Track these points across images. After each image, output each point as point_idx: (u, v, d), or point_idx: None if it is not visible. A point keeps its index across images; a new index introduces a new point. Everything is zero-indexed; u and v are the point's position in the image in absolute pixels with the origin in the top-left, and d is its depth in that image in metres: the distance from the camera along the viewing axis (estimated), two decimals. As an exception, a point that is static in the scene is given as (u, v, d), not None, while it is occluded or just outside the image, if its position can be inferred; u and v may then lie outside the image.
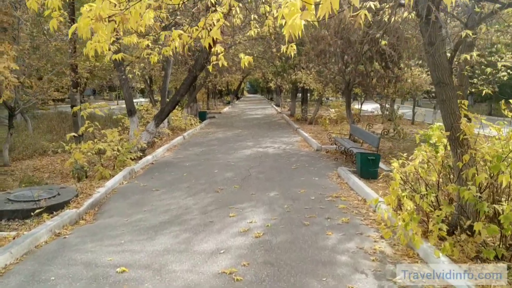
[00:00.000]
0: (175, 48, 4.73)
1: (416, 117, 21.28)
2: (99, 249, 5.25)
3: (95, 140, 9.59)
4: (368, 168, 8.88)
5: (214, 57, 5.76)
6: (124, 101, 13.15)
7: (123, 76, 11.44)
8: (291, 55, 4.62)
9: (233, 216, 6.49)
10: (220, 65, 5.79)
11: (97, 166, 9.33)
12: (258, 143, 14.88)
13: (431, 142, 7.62)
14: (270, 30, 9.18)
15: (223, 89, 45.06)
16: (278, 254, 4.97)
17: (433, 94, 19.94)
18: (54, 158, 11.60)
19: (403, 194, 5.10)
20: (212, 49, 5.87)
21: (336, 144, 12.47)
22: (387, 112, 20.85)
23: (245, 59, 5.60)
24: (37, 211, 6.21)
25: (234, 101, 48.90)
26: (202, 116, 24.14)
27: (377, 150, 9.79)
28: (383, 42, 7.58)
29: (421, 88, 17.38)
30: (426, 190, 5.30)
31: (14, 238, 5.32)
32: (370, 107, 26.76)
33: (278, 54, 20.80)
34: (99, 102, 42.38)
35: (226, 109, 37.27)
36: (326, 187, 8.33)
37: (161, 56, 7.12)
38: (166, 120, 16.95)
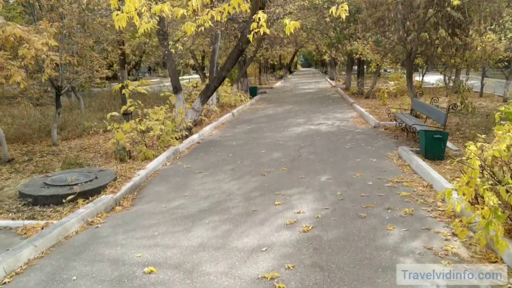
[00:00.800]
0: (193, 9, 4.01)
1: (484, 89, 19.35)
2: (129, 242, 4.78)
3: (137, 119, 9.19)
4: (433, 147, 7.85)
5: (254, 24, 5.01)
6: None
7: (166, 52, 10.92)
8: (343, 20, 3.78)
9: (279, 205, 5.81)
10: (261, 33, 5.05)
11: (140, 146, 8.96)
12: (310, 120, 14.00)
13: (513, 119, 6.48)
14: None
15: (276, 63, 43.96)
16: (329, 255, 4.24)
17: (505, 63, 17.96)
18: (101, 138, 11.42)
19: (484, 186, 4.14)
20: (254, 16, 5.14)
21: (396, 120, 11.36)
22: (452, 84, 19.08)
23: (291, 25, 4.82)
24: (69, 197, 5.85)
25: (286, 75, 47.75)
26: (253, 92, 23.47)
27: (444, 127, 8.67)
28: (454, 3, 6.41)
29: (494, 57, 15.53)
30: (512, 180, 4.31)
31: (42, 228, 4.96)
32: (432, 78, 24.82)
33: (333, 24, 19.57)
34: (153, 79, 43.07)
35: (278, 83, 36.35)
36: (386, 170, 7.42)
37: (203, 28, 6.47)
38: (215, 97, 16.46)
